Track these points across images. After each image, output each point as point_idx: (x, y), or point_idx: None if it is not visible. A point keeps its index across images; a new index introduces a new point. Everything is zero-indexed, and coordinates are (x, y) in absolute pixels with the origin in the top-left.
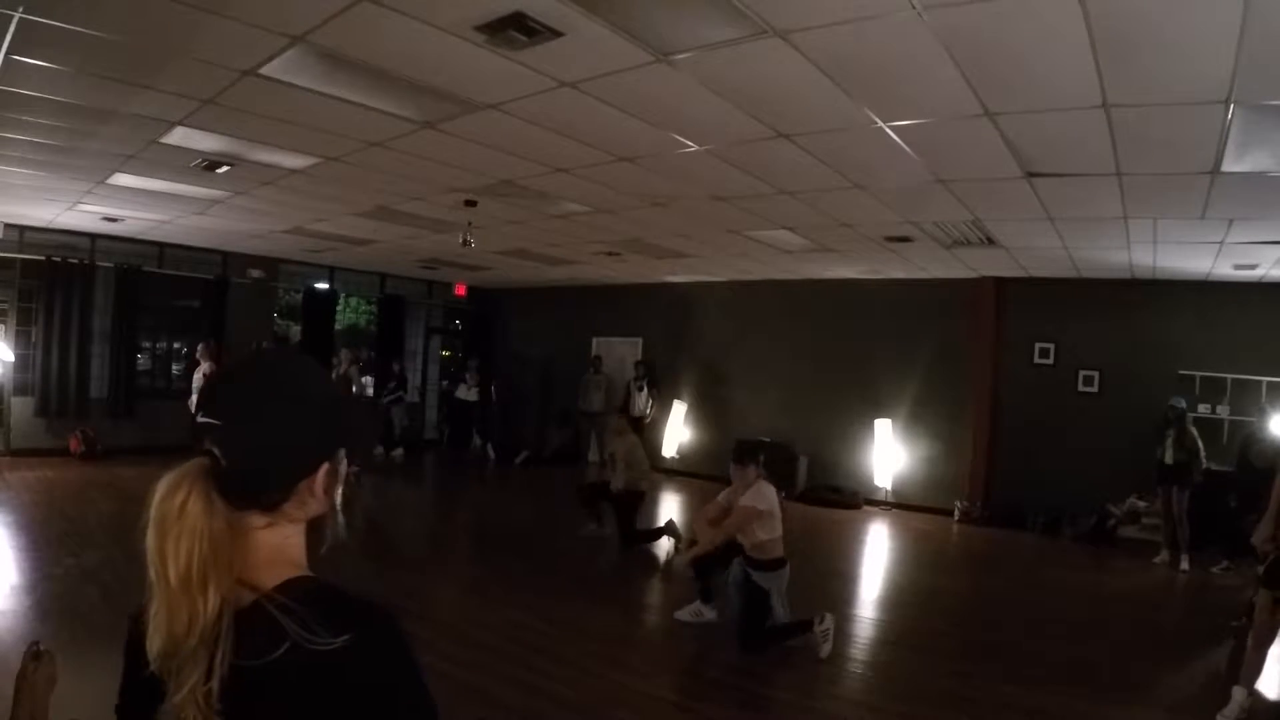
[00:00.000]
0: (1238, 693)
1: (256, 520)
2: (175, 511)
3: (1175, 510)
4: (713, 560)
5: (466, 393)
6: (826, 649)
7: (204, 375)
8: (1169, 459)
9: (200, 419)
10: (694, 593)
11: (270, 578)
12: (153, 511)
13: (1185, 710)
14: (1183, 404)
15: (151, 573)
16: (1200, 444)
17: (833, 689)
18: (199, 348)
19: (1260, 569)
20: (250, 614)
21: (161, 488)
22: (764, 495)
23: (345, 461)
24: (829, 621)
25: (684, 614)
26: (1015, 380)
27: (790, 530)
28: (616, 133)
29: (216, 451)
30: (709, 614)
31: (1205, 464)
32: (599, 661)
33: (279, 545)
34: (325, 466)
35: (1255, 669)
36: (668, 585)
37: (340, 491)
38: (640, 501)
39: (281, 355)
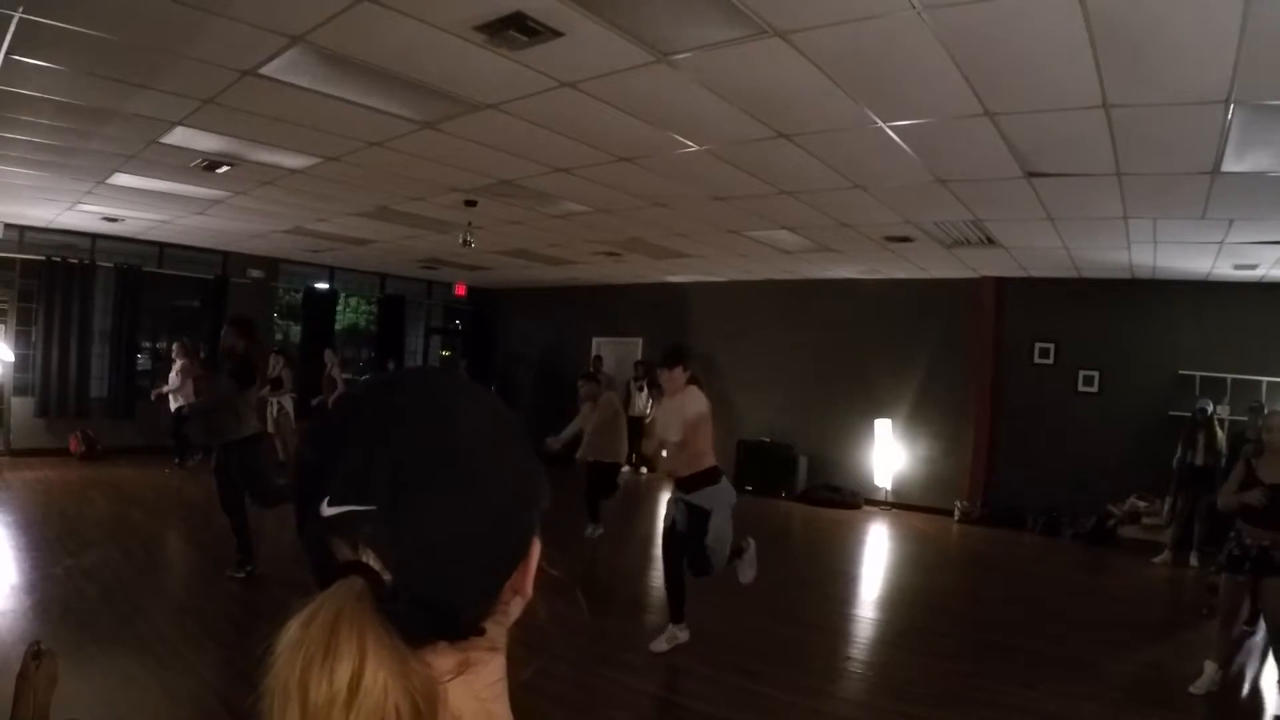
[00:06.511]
0: (1209, 667)
1: (442, 661)
2: (346, 688)
3: (1199, 511)
4: (682, 576)
5: None
6: (749, 574)
7: (179, 373)
8: (1200, 461)
9: (331, 508)
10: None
11: None
12: (290, 691)
13: (1186, 709)
14: (1211, 406)
15: None
16: (1225, 445)
17: (833, 689)
18: (174, 346)
19: (1222, 557)
20: None
21: (305, 647)
22: (701, 398)
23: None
24: (752, 548)
25: (659, 644)
26: (1015, 380)
27: (791, 530)
28: (616, 133)
29: (373, 560)
30: (682, 636)
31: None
32: (597, 661)
33: (489, 713)
34: (536, 546)
35: (1225, 646)
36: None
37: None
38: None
39: (440, 380)
